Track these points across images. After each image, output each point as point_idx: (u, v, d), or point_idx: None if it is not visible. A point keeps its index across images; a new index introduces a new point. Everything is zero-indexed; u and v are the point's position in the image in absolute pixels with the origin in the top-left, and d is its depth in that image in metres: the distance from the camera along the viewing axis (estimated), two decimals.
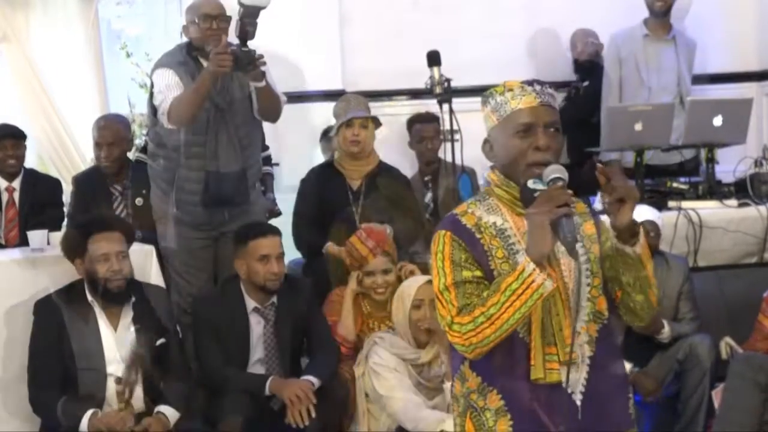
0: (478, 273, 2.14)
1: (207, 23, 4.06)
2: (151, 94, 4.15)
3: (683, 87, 5.54)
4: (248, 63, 3.85)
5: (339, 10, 6.07)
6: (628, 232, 2.16)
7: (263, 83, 4.02)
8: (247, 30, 3.85)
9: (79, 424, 3.43)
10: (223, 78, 4.07)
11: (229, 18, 4.07)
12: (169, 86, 4.03)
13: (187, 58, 4.14)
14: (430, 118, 5.36)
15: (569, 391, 2.17)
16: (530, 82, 2.23)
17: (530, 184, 2.13)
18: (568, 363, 2.15)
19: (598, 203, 4.19)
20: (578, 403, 2.17)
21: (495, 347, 2.11)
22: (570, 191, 2.08)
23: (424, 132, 5.35)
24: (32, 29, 5.92)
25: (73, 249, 3.67)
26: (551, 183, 2.10)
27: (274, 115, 4.30)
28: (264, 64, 3.93)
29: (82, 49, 5.98)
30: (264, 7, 3.84)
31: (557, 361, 2.14)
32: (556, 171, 2.11)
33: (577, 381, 2.17)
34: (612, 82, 5.62)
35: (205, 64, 4.05)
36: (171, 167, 4.15)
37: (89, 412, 3.44)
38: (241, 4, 3.83)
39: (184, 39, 4.30)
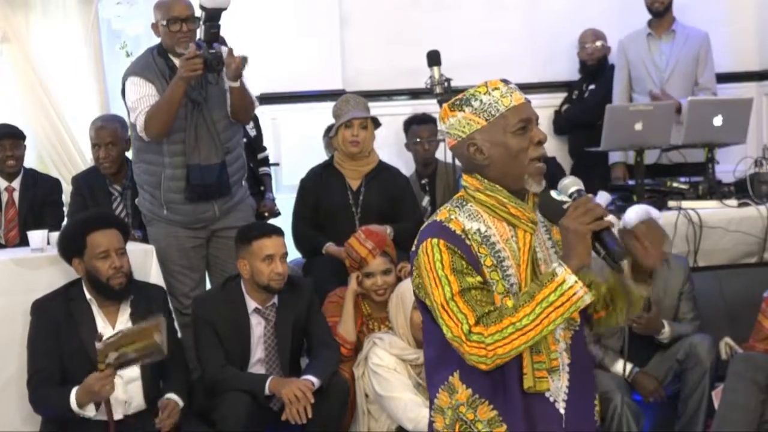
0: (479, 279, 2.09)
1: (176, 26, 4.08)
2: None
3: (687, 81, 5.55)
4: (217, 64, 3.93)
5: (339, 10, 6.08)
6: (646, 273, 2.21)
7: (237, 83, 4.05)
8: (212, 33, 3.91)
9: (69, 404, 3.40)
10: None
11: (198, 19, 4.09)
12: (141, 99, 4.05)
13: (158, 58, 4.16)
14: (427, 119, 5.36)
15: (551, 399, 2.15)
16: (506, 81, 2.18)
17: (555, 195, 2.12)
18: (550, 371, 2.13)
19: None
20: (561, 411, 2.16)
21: None
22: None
23: (420, 133, 5.34)
24: (32, 29, 5.93)
25: (71, 248, 3.67)
26: (575, 195, 2.09)
27: (245, 117, 4.31)
28: (243, 68, 4.00)
29: (82, 49, 6.00)
30: (225, 9, 3.89)
31: (545, 369, 2.12)
32: (576, 183, 2.11)
33: (559, 389, 2.15)
34: (622, 87, 5.64)
35: (175, 62, 4.08)
36: (156, 170, 4.15)
37: (75, 389, 3.40)
38: (202, 8, 3.87)
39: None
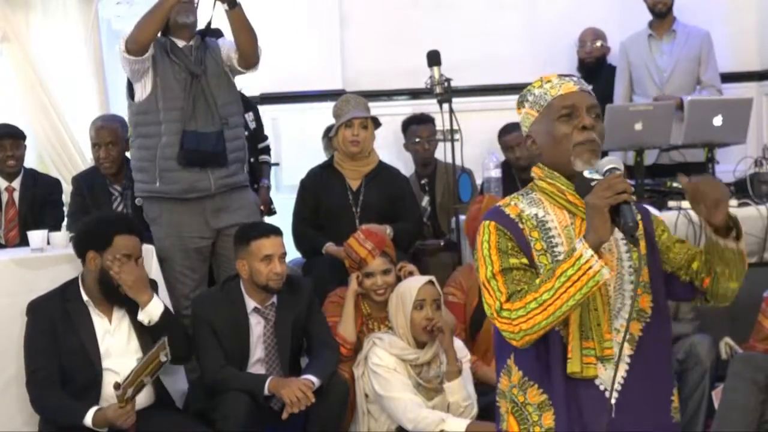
0: (524, 260, 2.15)
1: None
2: (129, 85, 4.21)
3: (689, 80, 5.55)
4: None
5: (339, 10, 6.09)
6: (725, 227, 2.19)
7: (235, 4, 4.04)
8: None
9: (82, 421, 3.42)
10: (197, 50, 4.19)
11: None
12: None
13: (161, 37, 4.23)
14: (425, 119, 5.36)
15: (602, 388, 2.16)
16: (565, 75, 2.27)
17: (587, 174, 2.14)
18: (602, 359, 2.15)
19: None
20: (612, 401, 2.16)
21: (536, 341, 2.11)
22: (629, 181, 2.09)
23: (420, 132, 5.34)
24: (32, 29, 5.94)
25: (94, 241, 3.66)
26: (608, 173, 2.11)
27: (251, 50, 4.20)
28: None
29: (82, 49, 6.00)
30: None
31: (594, 356, 2.14)
32: (612, 162, 2.13)
33: (612, 378, 2.15)
34: (623, 89, 5.65)
35: (175, 41, 4.20)
36: (152, 143, 4.16)
37: (93, 409, 3.44)
38: None
39: None
